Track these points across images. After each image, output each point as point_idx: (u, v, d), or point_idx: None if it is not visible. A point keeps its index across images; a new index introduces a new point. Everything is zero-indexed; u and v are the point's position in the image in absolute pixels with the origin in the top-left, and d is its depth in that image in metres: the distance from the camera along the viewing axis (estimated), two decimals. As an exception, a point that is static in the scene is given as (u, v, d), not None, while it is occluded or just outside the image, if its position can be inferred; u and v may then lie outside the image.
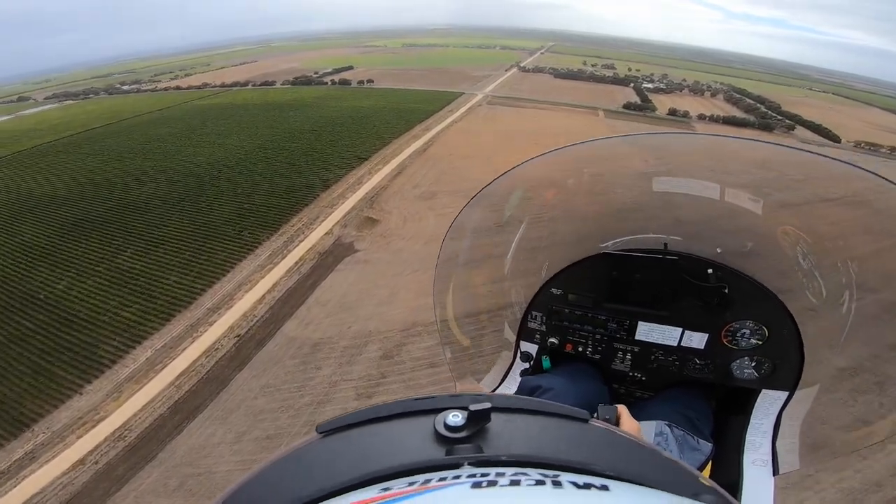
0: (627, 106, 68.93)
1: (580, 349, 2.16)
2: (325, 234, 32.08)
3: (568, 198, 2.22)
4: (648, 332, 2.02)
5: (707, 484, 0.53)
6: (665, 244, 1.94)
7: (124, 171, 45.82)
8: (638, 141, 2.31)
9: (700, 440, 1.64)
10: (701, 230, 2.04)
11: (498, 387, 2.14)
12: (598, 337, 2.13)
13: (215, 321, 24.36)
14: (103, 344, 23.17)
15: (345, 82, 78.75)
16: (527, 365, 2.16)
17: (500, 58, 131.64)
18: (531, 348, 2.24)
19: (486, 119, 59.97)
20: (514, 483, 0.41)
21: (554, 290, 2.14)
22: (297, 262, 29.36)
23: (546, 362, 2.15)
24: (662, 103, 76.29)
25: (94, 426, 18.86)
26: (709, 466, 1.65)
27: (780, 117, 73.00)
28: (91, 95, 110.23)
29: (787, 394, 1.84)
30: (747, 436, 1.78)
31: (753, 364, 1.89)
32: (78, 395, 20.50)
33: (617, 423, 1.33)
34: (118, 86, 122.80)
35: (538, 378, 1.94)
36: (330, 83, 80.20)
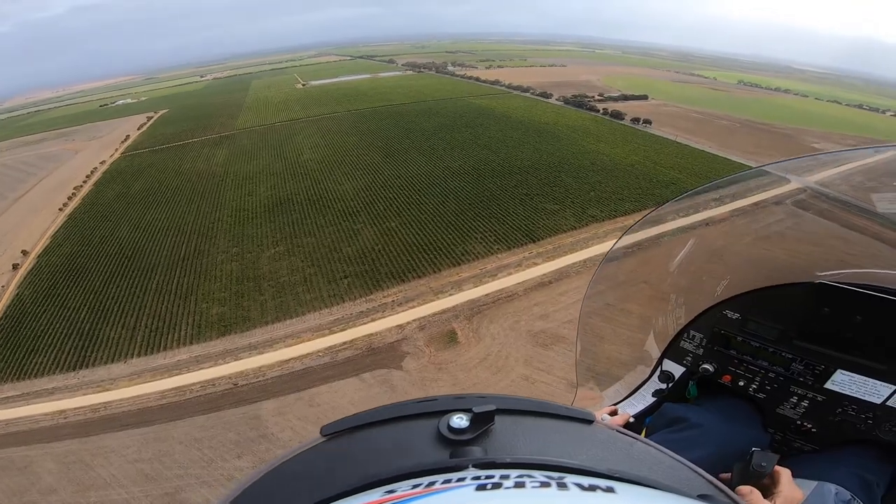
0: None
1: (742, 383, 1.93)
2: (397, 326, 25.52)
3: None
4: (847, 383, 1.77)
5: (714, 484, 0.53)
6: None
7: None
8: None
9: None
10: None
11: (622, 401, 1.94)
12: (772, 376, 1.89)
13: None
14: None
15: (617, 115, 65.70)
16: (664, 386, 1.98)
17: (881, 127, 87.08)
18: (675, 369, 2.04)
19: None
20: (519, 485, 0.41)
21: (729, 314, 1.91)
22: (343, 343, 24.47)
23: (693, 389, 1.98)
24: None
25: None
26: None
27: None
28: (423, 70, 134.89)
29: None
30: None
31: None
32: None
33: (773, 482, 1.22)
34: (448, 66, 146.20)
35: (685, 408, 1.78)
36: (602, 112, 69.39)
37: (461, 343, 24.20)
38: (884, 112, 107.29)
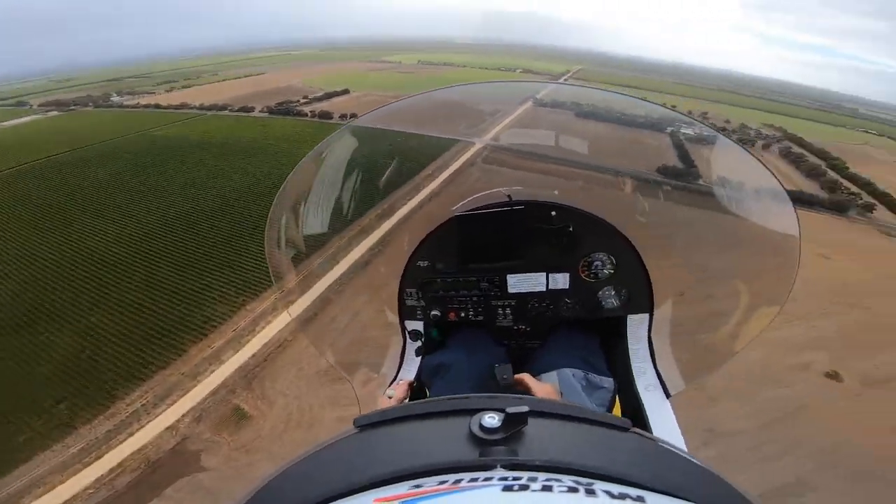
0: (664, 171, 54.78)
1: (462, 315, 2.17)
2: (167, 429, 20.59)
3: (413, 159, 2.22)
4: (518, 283, 2.07)
5: (749, 499, 0.52)
6: (509, 196, 1.99)
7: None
8: (479, 91, 2.49)
9: (601, 377, 1.66)
10: (539, 178, 2.20)
11: (398, 373, 2.08)
12: (475, 299, 2.14)
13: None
14: None
15: (326, 115, 65.99)
16: (419, 343, 2.14)
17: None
18: (418, 325, 2.22)
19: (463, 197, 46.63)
20: (546, 489, 0.41)
21: (421, 263, 2.13)
22: (111, 472, 18.76)
23: (435, 333, 2.18)
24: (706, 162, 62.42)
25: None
26: (617, 401, 1.71)
27: (853, 191, 58.54)
28: (75, 107, 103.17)
29: (647, 315, 2.01)
30: (632, 364, 1.89)
31: (613, 293, 2.03)
32: None
33: (515, 385, 1.39)
34: (113, 95, 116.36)
35: (438, 356, 1.96)
36: (310, 115, 68.58)
37: (254, 416, 21.22)
38: (515, 70, 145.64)
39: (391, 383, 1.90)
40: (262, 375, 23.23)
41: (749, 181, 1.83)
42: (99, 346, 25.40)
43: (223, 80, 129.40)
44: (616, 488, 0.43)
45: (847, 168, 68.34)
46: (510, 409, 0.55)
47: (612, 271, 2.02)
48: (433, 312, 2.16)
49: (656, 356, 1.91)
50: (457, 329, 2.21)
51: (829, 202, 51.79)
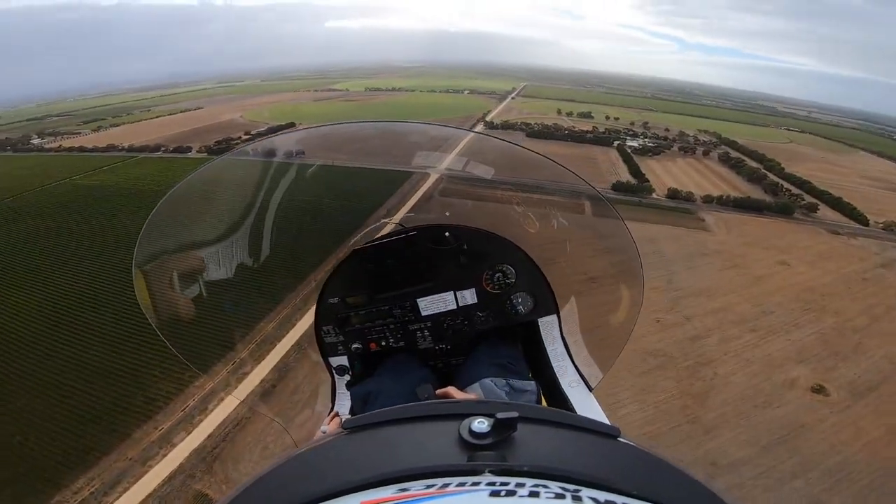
0: (618, 188, 55.73)
1: (383, 343, 2.19)
2: None
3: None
4: (429, 304, 2.11)
5: None
6: (401, 224, 2.09)
7: None
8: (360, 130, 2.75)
9: (522, 381, 1.72)
10: (431, 204, 2.77)
11: (332, 408, 2.10)
12: (391, 327, 2.16)
13: None
14: None
15: (269, 152, 63.29)
16: (348, 377, 2.18)
17: (468, 105, 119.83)
18: (342, 360, 2.24)
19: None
20: (533, 495, 0.41)
21: (332, 300, 2.14)
22: None
23: (358, 366, 2.20)
24: (655, 173, 64.44)
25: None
26: (543, 401, 1.77)
27: (793, 192, 62.07)
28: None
29: (555, 317, 2.11)
30: (552, 364, 2.00)
31: (519, 300, 2.11)
32: None
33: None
34: (34, 137, 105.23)
35: (366, 385, 1.96)
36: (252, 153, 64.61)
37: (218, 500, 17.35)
38: (463, 91, 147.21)
39: (327, 418, 1.85)
40: (223, 456, 20.90)
41: (599, 216, 2.21)
42: (29, 430, 22.60)
43: (156, 117, 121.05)
44: (603, 496, 0.43)
45: (783, 168, 73.08)
46: (500, 415, 0.55)
47: (513, 280, 2.08)
48: (354, 346, 2.17)
49: (572, 353, 2.04)
50: (384, 357, 2.19)
51: (775, 206, 54.25)
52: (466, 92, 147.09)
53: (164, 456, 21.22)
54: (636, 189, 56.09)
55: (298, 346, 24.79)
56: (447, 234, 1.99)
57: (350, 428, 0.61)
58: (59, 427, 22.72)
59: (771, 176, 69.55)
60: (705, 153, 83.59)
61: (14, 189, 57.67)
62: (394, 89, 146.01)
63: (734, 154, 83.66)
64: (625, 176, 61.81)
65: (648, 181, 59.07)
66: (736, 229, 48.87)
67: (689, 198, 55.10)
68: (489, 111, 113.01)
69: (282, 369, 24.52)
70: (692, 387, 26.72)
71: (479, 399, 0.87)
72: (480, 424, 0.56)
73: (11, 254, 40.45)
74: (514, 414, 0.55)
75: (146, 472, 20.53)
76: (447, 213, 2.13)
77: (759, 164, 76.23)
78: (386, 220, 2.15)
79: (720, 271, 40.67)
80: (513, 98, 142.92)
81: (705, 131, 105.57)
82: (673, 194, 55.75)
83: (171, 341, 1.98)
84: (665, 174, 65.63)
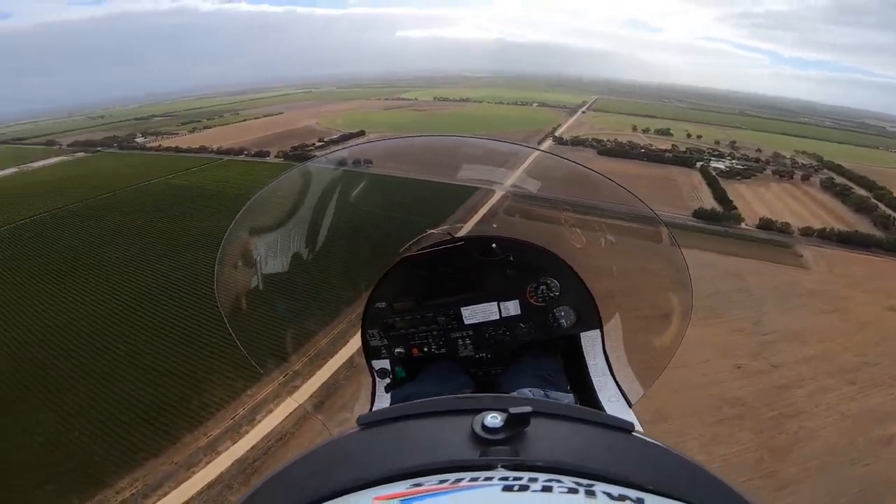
0: (701, 215, 50.79)
1: (425, 349, 2.22)
2: None
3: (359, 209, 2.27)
4: (472, 314, 2.12)
5: (749, 502, 0.52)
6: (449, 233, 2.11)
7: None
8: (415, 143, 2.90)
9: (559, 393, 1.71)
10: (492, 220, 2.34)
11: (370, 410, 2.10)
12: (434, 333, 2.18)
13: None
14: None
15: (341, 161, 65.59)
16: (388, 380, 2.18)
17: (537, 119, 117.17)
18: (384, 363, 2.27)
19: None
20: (546, 489, 0.41)
21: (379, 305, 2.17)
22: None
23: (400, 372, 2.19)
24: (744, 199, 58.03)
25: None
26: None
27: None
28: (100, 149, 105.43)
29: (598, 331, 2.09)
30: (592, 379, 1.97)
31: (562, 314, 2.10)
32: None
33: None
34: (138, 136, 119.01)
35: (406, 389, 1.99)
36: (326, 163, 67.48)
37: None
38: (532, 104, 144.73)
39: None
40: (262, 469, 20.94)
41: (650, 233, 2.16)
42: (84, 427, 23.72)
43: (243, 121, 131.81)
44: (616, 490, 0.43)
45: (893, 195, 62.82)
46: (513, 410, 0.55)
47: (557, 294, 2.09)
48: (397, 350, 2.20)
49: (614, 369, 2.01)
50: (424, 362, 2.22)
51: (887, 242, 46.38)
52: (535, 104, 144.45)
53: (208, 463, 21.68)
54: (722, 217, 50.65)
55: (350, 363, 24.60)
56: (494, 245, 2.05)
57: (364, 423, 0.62)
58: (113, 424, 23.88)
59: (882, 207, 60.00)
60: (804, 178, 74.35)
61: (113, 186, 64.63)
62: (462, 100, 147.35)
63: (839, 180, 73.58)
64: (709, 202, 56.23)
65: (736, 208, 53.24)
66: (839, 267, 42.61)
67: (784, 229, 48.64)
68: (559, 125, 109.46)
69: (331, 386, 24.35)
70: (772, 440, 23.41)
71: (493, 395, 0.86)
72: (493, 419, 0.56)
73: (96, 249, 44.64)
74: (527, 408, 0.55)
75: (189, 477, 20.99)
76: (494, 226, 2.20)
77: (868, 193, 66.30)
78: (434, 230, 2.17)
79: (817, 315, 35.49)
80: (583, 112, 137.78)
81: (804, 152, 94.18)
82: (766, 224, 49.58)
83: (239, 339, 2.05)
84: (756, 201, 58.89)
